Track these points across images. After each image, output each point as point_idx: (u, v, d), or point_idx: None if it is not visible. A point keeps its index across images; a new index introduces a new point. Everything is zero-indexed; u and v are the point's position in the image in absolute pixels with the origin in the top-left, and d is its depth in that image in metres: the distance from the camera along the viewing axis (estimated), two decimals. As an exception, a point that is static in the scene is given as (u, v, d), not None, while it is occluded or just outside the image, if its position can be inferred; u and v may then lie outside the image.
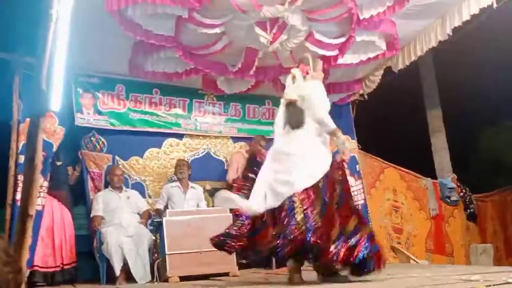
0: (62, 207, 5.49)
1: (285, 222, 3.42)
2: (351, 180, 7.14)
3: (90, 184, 5.89)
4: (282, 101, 3.87)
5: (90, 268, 5.62)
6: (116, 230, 5.20)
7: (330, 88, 6.61)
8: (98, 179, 5.89)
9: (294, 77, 3.82)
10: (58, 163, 5.56)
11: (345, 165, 4.01)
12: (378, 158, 7.62)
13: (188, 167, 5.96)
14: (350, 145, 7.23)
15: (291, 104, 3.75)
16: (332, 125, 3.64)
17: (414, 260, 6.41)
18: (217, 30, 4.91)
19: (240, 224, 3.72)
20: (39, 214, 5.17)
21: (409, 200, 7.63)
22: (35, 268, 5.08)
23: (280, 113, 3.85)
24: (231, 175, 6.17)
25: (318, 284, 3.50)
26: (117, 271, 5.01)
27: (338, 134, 3.67)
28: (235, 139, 6.75)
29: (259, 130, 6.64)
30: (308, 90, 3.72)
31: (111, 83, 6.06)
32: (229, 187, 6.28)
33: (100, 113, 5.95)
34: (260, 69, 5.79)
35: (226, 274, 4.92)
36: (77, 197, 5.84)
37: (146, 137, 6.25)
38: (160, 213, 5.56)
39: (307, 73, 3.83)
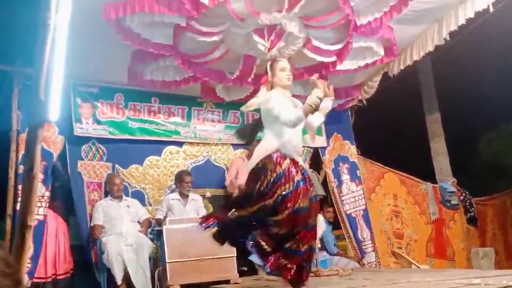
0: (57, 217, 5.49)
1: None
2: (352, 185, 7.16)
3: (87, 194, 5.83)
4: None
5: (89, 279, 5.59)
6: (116, 239, 5.18)
7: (329, 93, 6.64)
8: (97, 188, 5.87)
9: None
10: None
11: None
12: (378, 163, 7.62)
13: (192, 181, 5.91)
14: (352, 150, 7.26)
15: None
16: (299, 113, 3.58)
17: (415, 265, 6.39)
18: (215, 38, 4.92)
19: None
20: (42, 224, 5.18)
21: (409, 204, 7.63)
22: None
23: None
24: (229, 180, 6.17)
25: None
26: (119, 281, 4.97)
27: (308, 103, 3.58)
28: (236, 146, 6.73)
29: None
30: (260, 104, 3.76)
31: (110, 92, 6.06)
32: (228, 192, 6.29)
33: (99, 122, 5.94)
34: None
35: (227, 282, 4.90)
36: (73, 207, 5.78)
37: (145, 145, 6.24)
38: (160, 223, 5.55)
39: (267, 82, 3.84)
